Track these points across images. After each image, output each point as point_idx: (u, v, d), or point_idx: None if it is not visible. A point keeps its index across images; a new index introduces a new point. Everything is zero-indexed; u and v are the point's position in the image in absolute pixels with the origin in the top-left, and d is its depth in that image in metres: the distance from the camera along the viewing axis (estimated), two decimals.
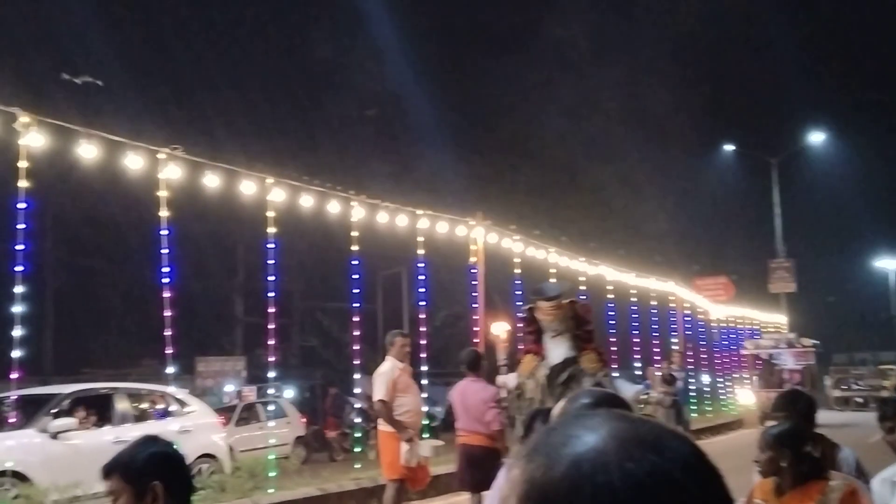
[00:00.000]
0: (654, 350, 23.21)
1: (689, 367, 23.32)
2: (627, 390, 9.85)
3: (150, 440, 2.88)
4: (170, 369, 10.97)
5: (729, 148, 38.52)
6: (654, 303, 24.58)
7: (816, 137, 36.99)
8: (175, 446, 2.96)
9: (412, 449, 8.69)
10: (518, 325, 9.72)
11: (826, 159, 41.16)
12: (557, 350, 8.03)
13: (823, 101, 56.14)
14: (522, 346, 9.40)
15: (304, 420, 21.33)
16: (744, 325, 34.35)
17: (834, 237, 51.36)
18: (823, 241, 49.65)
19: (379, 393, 8.65)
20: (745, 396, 28.53)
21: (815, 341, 28.80)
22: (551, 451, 0.90)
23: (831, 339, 41.21)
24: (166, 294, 9.85)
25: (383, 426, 8.96)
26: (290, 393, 26.23)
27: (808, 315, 40.63)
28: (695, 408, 23.87)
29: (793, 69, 63.86)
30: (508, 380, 9.17)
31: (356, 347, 14.14)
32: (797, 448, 3.83)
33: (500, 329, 11.71)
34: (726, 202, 43.55)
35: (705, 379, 29.36)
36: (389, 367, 8.79)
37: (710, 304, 30.67)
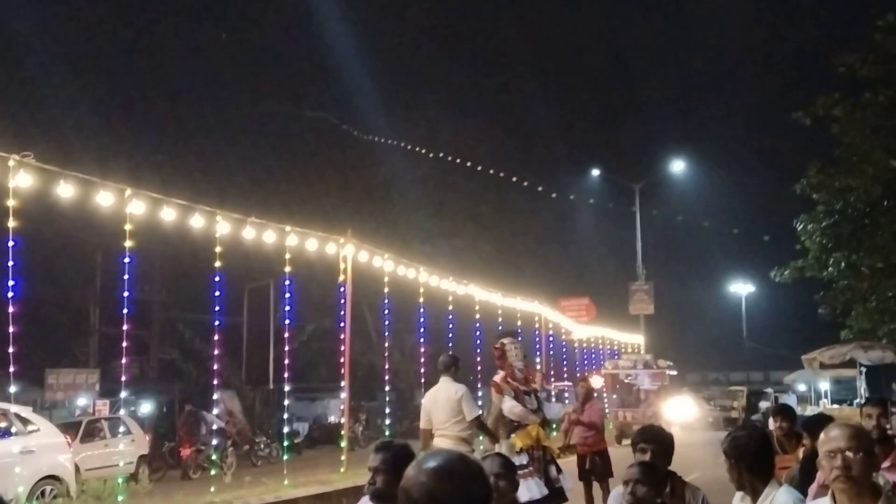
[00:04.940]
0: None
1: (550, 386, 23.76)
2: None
3: None
4: (12, 388, 10.32)
5: (595, 173, 39.64)
6: (519, 322, 24.94)
7: (677, 166, 38.52)
8: None
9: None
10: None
11: (686, 189, 42.91)
12: None
13: (686, 133, 58.77)
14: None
15: (150, 437, 20.39)
16: (604, 345, 35.33)
17: (692, 262, 53.62)
18: (682, 265, 51.78)
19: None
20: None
21: (670, 363, 29.92)
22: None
23: (686, 359, 42.95)
24: (11, 309, 9.27)
25: None
26: (146, 408, 25.22)
27: (665, 336, 42.19)
28: (555, 427, 24.30)
29: (659, 101, 66.55)
30: None
31: (217, 364, 13.71)
32: (665, 484, 3.91)
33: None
34: (592, 225, 44.83)
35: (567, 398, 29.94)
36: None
37: (574, 325, 31.39)
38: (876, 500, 3.18)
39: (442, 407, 8.67)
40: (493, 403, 9.54)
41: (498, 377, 9.54)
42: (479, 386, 21.17)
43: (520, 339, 10.25)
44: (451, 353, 9.75)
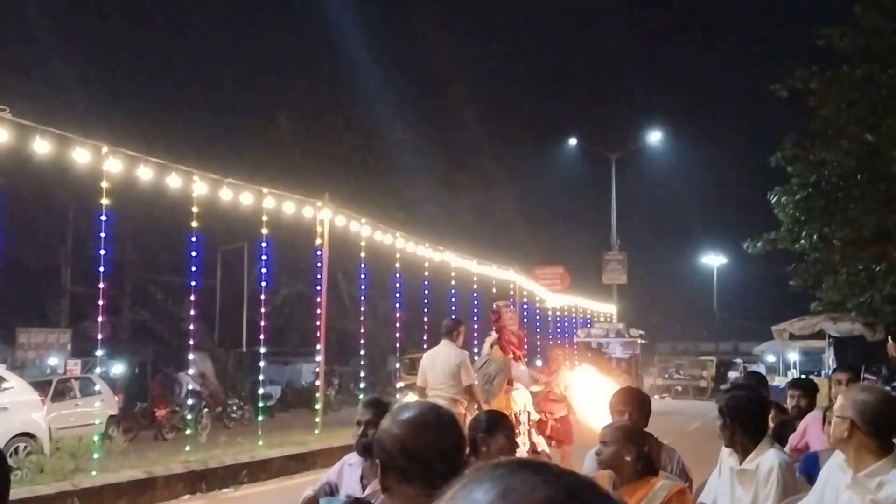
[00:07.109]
0: None
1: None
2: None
3: None
4: None
5: (572, 142, 39.64)
6: (494, 290, 24.97)
7: (654, 137, 38.60)
8: None
9: None
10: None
11: (662, 160, 43.08)
12: None
13: (663, 104, 58.96)
14: None
15: (120, 398, 20.29)
16: (577, 314, 35.52)
17: (665, 233, 54.04)
18: (655, 235, 52.17)
19: None
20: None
21: (641, 332, 30.21)
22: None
23: (657, 329, 43.41)
24: None
25: None
26: (118, 368, 25.12)
27: (637, 306, 42.53)
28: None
29: (637, 73, 66.55)
30: None
31: (192, 326, 13.66)
32: (641, 445, 3.90)
33: None
34: (568, 194, 44.94)
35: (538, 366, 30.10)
36: None
37: (548, 293, 31.50)
38: (884, 455, 3.26)
39: (440, 369, 8.84)
40: (497, 363, 9.53)
41: (491, 338, 9.67)
42: None
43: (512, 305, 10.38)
44: (454, 317, 9.90)
